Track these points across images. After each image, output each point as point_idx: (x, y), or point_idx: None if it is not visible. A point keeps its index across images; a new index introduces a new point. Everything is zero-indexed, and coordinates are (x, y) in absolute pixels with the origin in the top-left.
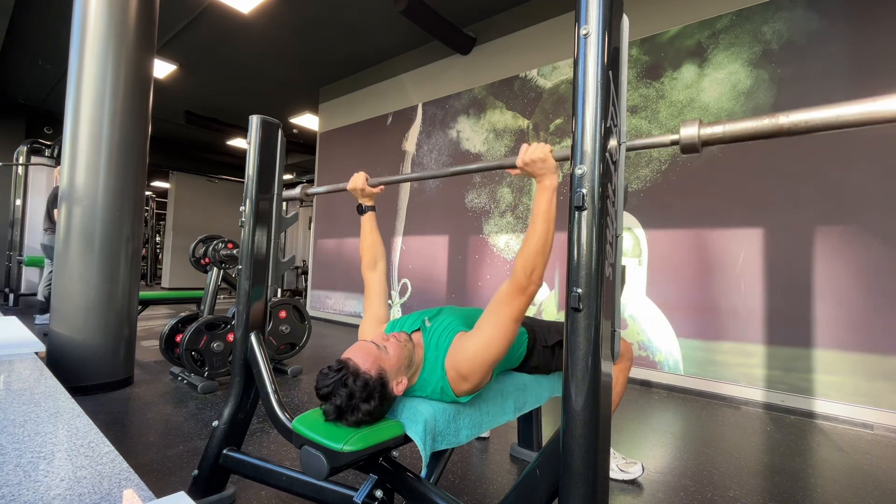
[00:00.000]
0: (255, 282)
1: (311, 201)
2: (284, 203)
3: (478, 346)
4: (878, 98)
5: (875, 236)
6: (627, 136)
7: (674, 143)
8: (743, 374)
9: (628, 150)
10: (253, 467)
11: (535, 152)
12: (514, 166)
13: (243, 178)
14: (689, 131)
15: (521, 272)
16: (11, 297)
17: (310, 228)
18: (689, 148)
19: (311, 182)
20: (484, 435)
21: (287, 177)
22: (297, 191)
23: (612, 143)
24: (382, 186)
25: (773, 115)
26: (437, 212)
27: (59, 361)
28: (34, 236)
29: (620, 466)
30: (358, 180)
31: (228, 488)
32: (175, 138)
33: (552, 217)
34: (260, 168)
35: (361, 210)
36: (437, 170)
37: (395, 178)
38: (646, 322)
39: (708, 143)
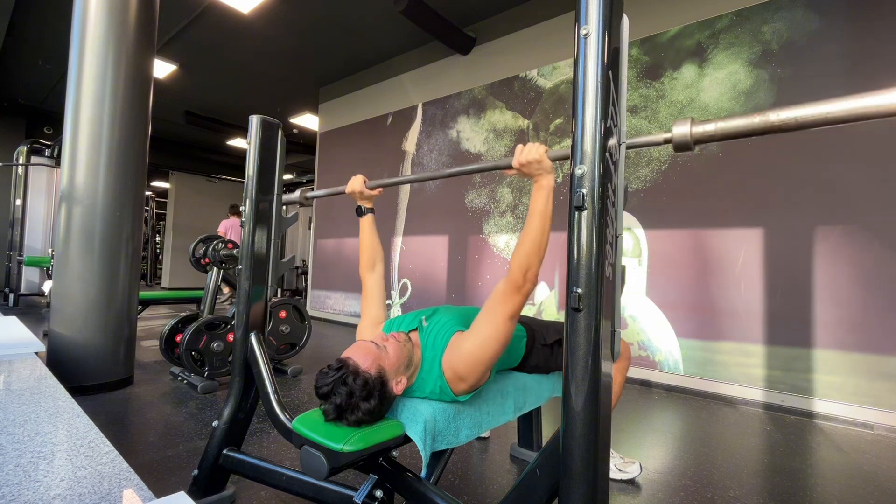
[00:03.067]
0: (255, 282)
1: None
2: (284, 203)
3: (474, 345)
4: (867, 94)
5: (875, 236)
6: (628, 136)
7: (667, 141)
8: (743, 374)
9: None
10: (253, 467)
11: (530, 153)
12: (510, 167)
13: (243, 178)
14: (682, 129)
15: (516, 270)
16: (11, 297)
17: (310, 228)
18: (682, 146)
19: (311, 182)
20: (484, 435)
21: (287, 177)
22: (296, 195)
23: (612, 143)
24: (381, 189)
25: (764, 113)
26: (437, 212)
27: (59, 361)
28: (34, 236)
29: (619, 466)
30: (356, 183)
31: (228, 488)
32: (175, 138)
33: (548, 216)
34: (260, 168)
35: (360, 212)
36: (435, 171)
37: (394, 180)
38: (646, 322)
39: (700, 140)
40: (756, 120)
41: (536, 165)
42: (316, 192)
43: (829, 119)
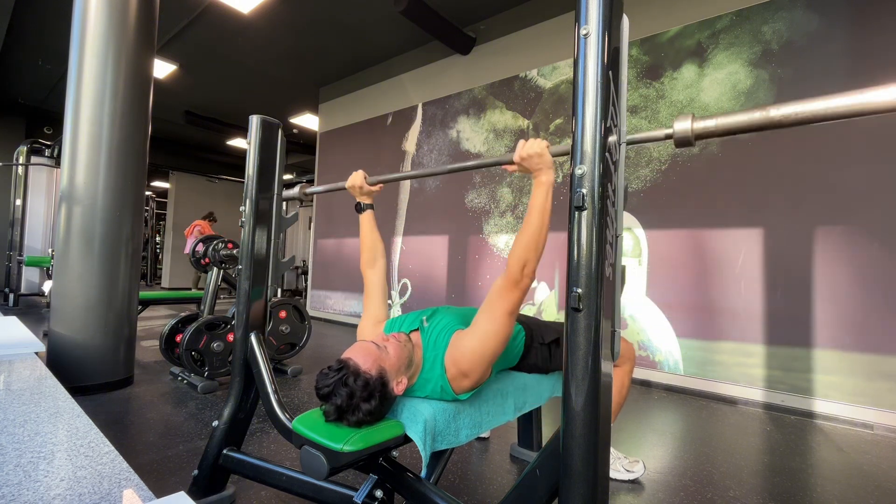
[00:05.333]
0: (255, 282)
1: (311, 201)
2: (284, 203)
3: (476, 341)
4: (866, 90)
5: (874, 236)
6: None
7: (668, 136)
8: (743, 374)
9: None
10: (253, 467)
11: (532, 147)
12: (511, 162)
13: (243, 178)
14: (683, 125)
15: (514, 266)
16: (11, 297)
17: (310, 228)
18: (683, 141)
19: (311, 182)
20: (484, 435)
21: (287, 177)
22: (295, 190)
23: (612, 142)
24: (381, 185)
25: (764, 108)
26: (437, 212)
27: (59, 361)
28: (34, 236)
29: (625, 466)
30: (356, 178)
31: (228, 488)
32: (175, 138)
33: (547, 212)
34: (260, 168)
35: (360, 208)
36: (436, 167)
37: (394, 176)
38: (646, 322)
39: (701, 136)
40: (756, 115)
41: (537, 159)
42: (315, 188)
43: (830, 114)
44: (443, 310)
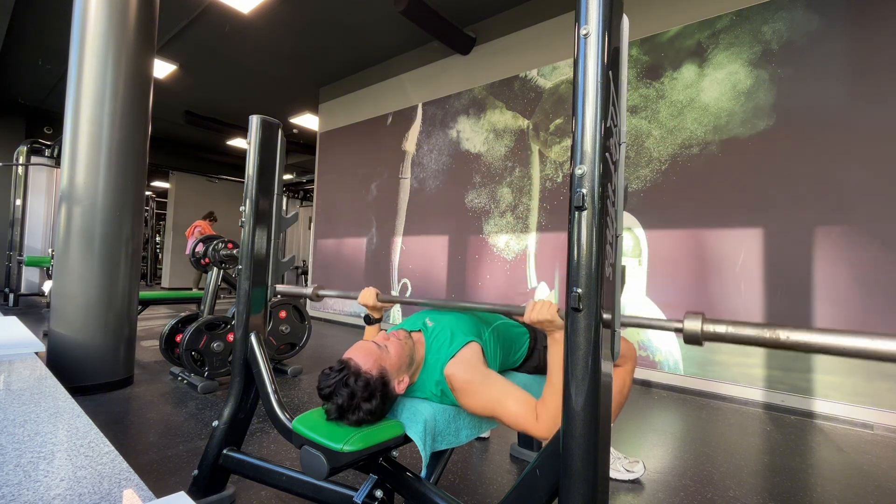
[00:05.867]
0: (255, 282)
1: (311, 201)
2: (284, 203)
3: (483, 404)
4: (877, 336)
5: (874, 237)
6: (628, 136)
7: (677, 330)
8: (743, 374)
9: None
10: (253, 467)
11: (541, 314)
12: (522, 315)
13: (243, 178)
14: (693, 324)
15: (545, 430)
16: (11, 297)
17: (310, 228)
18: (692, 339)
19: (311, 182)
20: (484, 435)
21: (287, 177)
22: (308, 290)
23: (612, 142)
24: (390, 304)
25: (773, 330)
26: (437, 212)
27: (59, 361)
28: (34, 236)
29: (626, 467)
30: (369, 297)
31: (228, 488)
32: (175, 138)
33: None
34: (260, 168)
35: (369, 321)
36: (449, 300)
37: (405, 299)
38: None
39: (709, 338)
40: (766, 333)
41: (549, 325)
42: (327, 292)
43: (835, 350)
44: (444, 311)
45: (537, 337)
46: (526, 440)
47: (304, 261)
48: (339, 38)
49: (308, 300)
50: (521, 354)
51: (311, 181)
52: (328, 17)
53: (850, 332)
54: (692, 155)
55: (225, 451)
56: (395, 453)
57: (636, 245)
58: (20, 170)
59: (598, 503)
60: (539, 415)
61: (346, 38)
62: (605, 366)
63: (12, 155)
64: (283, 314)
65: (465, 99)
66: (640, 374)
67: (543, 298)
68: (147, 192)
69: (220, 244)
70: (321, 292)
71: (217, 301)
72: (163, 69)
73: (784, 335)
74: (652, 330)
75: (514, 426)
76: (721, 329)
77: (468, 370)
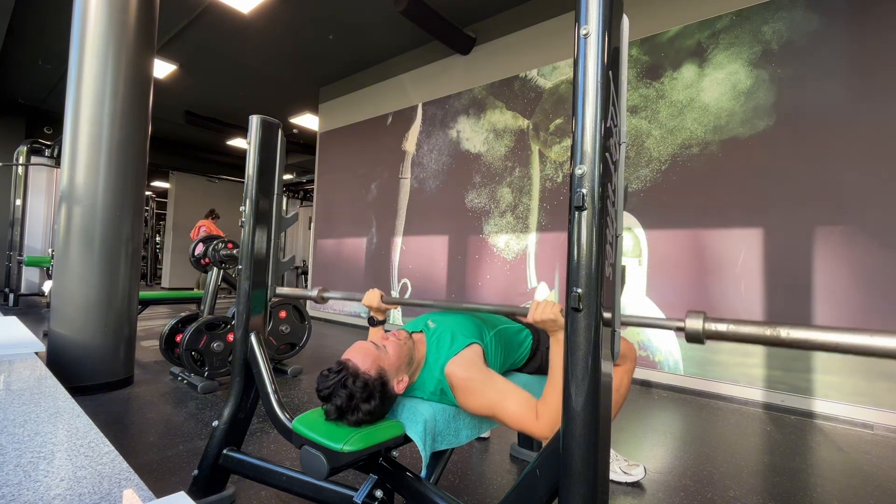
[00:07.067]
0: (256, 282)
1: (311, 201)
2: (284, 203)
3: (484, 405)
4: (876, 333)
5: (874, 237)
6: (628, 136)
7: (679, 329)
8: (743, 374)
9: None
10: (253, 467)
11: (544, 313)
12: (525, 315)
13: (243, 178)
14: (695, 323)
15: (545, 429)
16: (11, 297)
17: (310, 228)
18: (693, 338)
19: (311, 182)
20: (484, 435)
21: (287, 177)
22: (313, 293)
23: (612, 142)
24: (394, 306)
25: (774, 328)
26: (437, 212)
27: (59, 361)
28: (34, 236)
29: (623, 469)
30: (373, 299)
31: (228, 488)
32: (175, 138)
33: None
34: (260, 168)
35: (373, 323)
36: (451, 301)
37: (409, 300)
38: None
39: (711, 336)
40: (767, 332)
41: (552, 324)
42: (333, 294)
43: (833, 347)
44: (447, 313)
45: (540, 338)
46: (526, 440)
47: (304, 261)
48: (339, 38)
49: (307, 300)
50: (523, 356)
51: (311, 181)
52: (328, 17)
53: (850, 330)
54: (692, 155)
55: (225, 451)
56: (395, 453)
57: (636, 245)
58: (20, 170)
59: (598, 503)
60: (540, 414)
61: (346, 38)
62: (606, 366)
63: (12, 155)
64: (283, 314)
65: (465, 99)
66: (640, 374)
67: (546, 299)
68: (147, 192)
69: (220, 244)
70: (326, 294)
71: (217, 301)
72: (163, 69)
73: (784, 333)
74: (652, 330)
75: (513, 426)
76: (722, 328)
77: (468, 369)
